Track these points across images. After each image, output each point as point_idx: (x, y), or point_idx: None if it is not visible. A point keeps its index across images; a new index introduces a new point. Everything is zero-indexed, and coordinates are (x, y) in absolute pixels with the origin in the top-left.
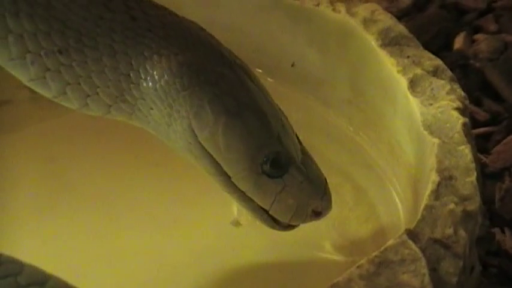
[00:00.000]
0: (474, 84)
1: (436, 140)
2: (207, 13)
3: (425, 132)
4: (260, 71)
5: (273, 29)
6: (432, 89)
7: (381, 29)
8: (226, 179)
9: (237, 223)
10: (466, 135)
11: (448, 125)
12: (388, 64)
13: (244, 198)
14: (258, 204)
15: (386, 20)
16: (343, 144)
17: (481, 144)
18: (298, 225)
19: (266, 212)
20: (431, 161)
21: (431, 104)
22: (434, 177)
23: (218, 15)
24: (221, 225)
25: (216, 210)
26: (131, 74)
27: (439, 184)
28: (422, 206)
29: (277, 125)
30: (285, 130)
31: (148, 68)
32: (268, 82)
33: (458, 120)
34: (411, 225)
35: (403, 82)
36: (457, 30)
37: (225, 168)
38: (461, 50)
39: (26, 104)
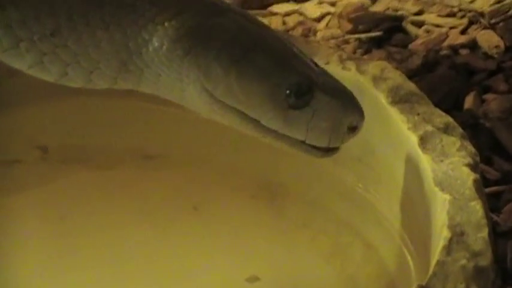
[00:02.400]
0: (485, 144)
1: (447, 196)
2: None
3: (437, 189)
4: None
5: None
6: (443, 146)
7: (391, 87)
8: (256, 124)
9: (252, 280)
10: (477, 191)
11: (459, 181)
12: (399, 121)
13: (279, 136)
14: (294, 139)
15: (396, 77)
16: (354, 201)
17: (492, 203)
18: (339, 147)
19: (304, 142)
20: (443, 217)
21: (442, 161)
22: (445, 233)
23: None
24: (234, 282)
25: (229, 266)
26: (130, 45)
27: (450, 240)
28: (433, 262)
29: (289, 55)
30: (298, 58)
31: (146, 37)
32: None
33: (469, 177)
34: (423, 282)
35: (413, 139)
36: (467, 90)
37: (252, 115)
38: (471, 110)
39: (36, 164)
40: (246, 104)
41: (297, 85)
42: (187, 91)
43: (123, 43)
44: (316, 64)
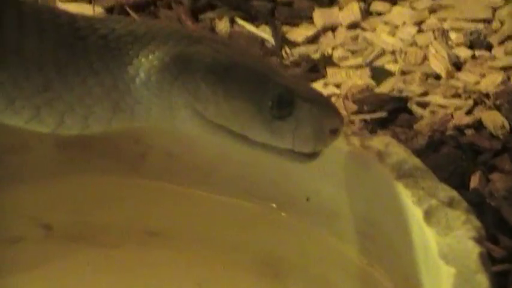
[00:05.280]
0: (490, 222)
1: (452, 269)
2: (222, 148)
3: (442, 262)
4: (274, 205)
5: (288, 163)
6: (448, 220)
7: (396, 162)
8: (246, 140)
9: None
10: (483, 264)
11: (464, 254)
12: (403, 195)
13: (269, 148)
14: (282, 148)
15: (400, 152)
16: (358, 277)
17: (498, 282)
18: (322, 151)
19: (292, 151)
20: None
21: (447, 234)
22: None
23: (233, 150)
24: None
25: None
26: (119, 84)
27: None
28: None
29: (267, 70)
30: (274, 70)
31: (132, 73)
32: (281, 217)
33: (474, 250)
34: None
35: (418, 213)
36: (472, 170)
37: (240, 131)
38: (477, 189)
39: (40, 242)
40: (234, 121)
41: (278, 96)
42: (179, 117)
43: (112, 84)
44: (293, 77)
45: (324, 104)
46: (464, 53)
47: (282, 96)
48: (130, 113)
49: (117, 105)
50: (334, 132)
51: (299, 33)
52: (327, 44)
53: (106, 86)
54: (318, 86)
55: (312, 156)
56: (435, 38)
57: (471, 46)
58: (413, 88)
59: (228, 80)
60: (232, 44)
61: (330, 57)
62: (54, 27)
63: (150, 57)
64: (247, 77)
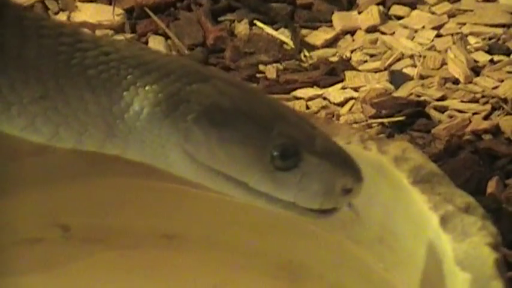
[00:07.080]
0: (507, 228)
1: (468, 276)
2: None
3: (457, 268)
4: None
5: None
6: (464, 226)
7: (412, 167)
8: (245, 188)
9: None
10: (498, 270)
11: (480, 260)
12: (420, 201)
13: (271, 199)
14: (286, 201)
15: (417, 157)
16: (374, 283)
17: None
18: (337, 208)
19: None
20: None
21: (463, 240)
22: None
23: None
24: None
25: None
26: (113, 108)
27: None
28: None
29: (274, 118)
30: (283, 118)
31: (128, 100)
32: (297, 221)
33: (490, 256)
34: None
35: (434, 219)
36: (489, 175)
37: (239, 177)
38: (494, 195)
39: (57, 243)
40: (231, 167)
41: (281, 147)
42: (171, 157)
43: (108, 106)
44: (312, 126)
45: (337, 160)
46: (482, 57)
47: (286, 147)
48: (124, 141)
49: (111, 130)
50: (348, 192)
51: (318, 36)
52: (345, 47)
53: (101, 106)
54: (336, 89)
55: (322, 213)
56: (454, 43)
57: (490, 51)
58: (432, 92)
59: (225, 126)
60: (245, 86)
61: (349, 60)
62: (55, 35)
63: (147, 88)
64: (248, 124)
